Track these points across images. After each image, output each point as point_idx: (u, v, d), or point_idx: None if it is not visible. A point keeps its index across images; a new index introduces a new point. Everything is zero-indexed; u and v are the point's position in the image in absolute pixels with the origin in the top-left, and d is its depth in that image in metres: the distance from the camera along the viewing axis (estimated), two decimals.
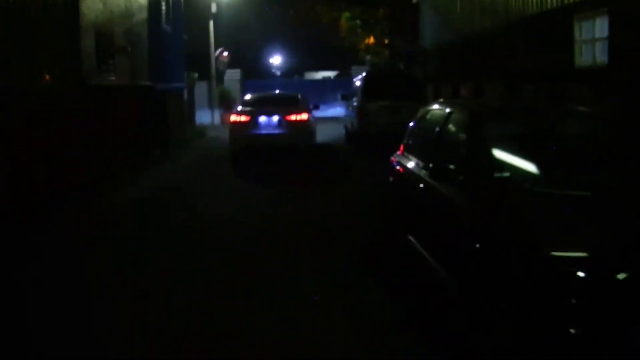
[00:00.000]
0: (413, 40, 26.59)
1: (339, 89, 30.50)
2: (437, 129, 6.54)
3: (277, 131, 15.62)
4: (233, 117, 16.32)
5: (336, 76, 44.63)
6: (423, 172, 6.19)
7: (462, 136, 5.80)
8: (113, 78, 15.83)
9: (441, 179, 5.48)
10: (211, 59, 30.51)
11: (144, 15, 18.65)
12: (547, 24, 12.90)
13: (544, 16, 13.03)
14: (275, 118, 15.62)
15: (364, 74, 18.98)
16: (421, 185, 6.20)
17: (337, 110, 27.36)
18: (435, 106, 7.46)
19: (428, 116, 7.35)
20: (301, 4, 34.00)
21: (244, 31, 39.28)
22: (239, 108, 16.74)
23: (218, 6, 30.68)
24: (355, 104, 18.69)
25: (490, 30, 16.47)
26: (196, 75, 31.47)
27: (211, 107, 30.74)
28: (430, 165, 5.69)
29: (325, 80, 41.13)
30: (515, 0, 14.54)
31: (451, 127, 6.26)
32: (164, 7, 21.36)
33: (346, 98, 21.37)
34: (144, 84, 17.79)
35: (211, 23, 30.08)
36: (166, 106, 20.15)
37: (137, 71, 18.14)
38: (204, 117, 30.40)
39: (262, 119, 15.69)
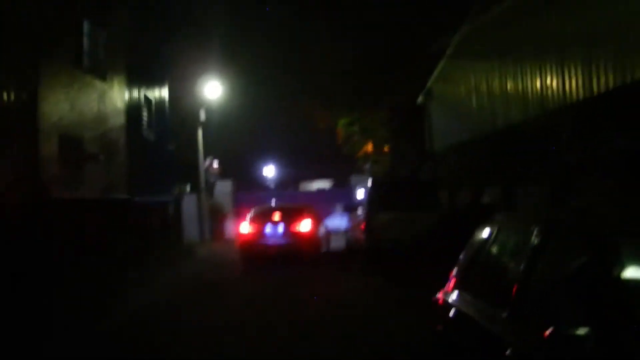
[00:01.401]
0: (419, 143, 24.68)
1: (336, 199, 28.58)
2: (520, 258, 3.99)
3: (283, 241, 16.08)
4: (241, 229, 16.93)
5: (332, 186, 42.77)
6: (502, 327, 3.69)
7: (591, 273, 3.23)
8: (80, 190, 13.56)
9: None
10: (200, 170, 28.41)
11: (121, 120, 16.58)
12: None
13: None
14: (281, 229, 16.18)
15: (369, 182, 16.62)
16: (508, 351, 3.57)
17: (335, 223, 25.13)
18: (505, 221, 5.00)
19: (494, 237, 4.82)
20: (298, 110, 32.34)
21: (235, 140, 37.48)
22: (248, 219, 17.01)
23: (207, 113, 28.87)
24: (360, 216, 16.31)
25: (521, 122, 14.37)
26: (187, 187, 29.37)
27: (201, 221, 28.38)
28: (550, 329, 3.09)
29: (320, 191, 39.07)
30: (556, 87, 12.43)
31: (552, 255, 3.71)
32: (145, 112, 19.38)
33: (349, 209, 19.05)
34: (118, 198, 15.50)
35: (199, 131, 28.16)
36: (148, 222, 17.81)
37: (113, 183, 15.88)
38: (194, 232, 28.05)
39: (269, 230, 16.24)
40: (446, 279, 5.48)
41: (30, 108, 11.38)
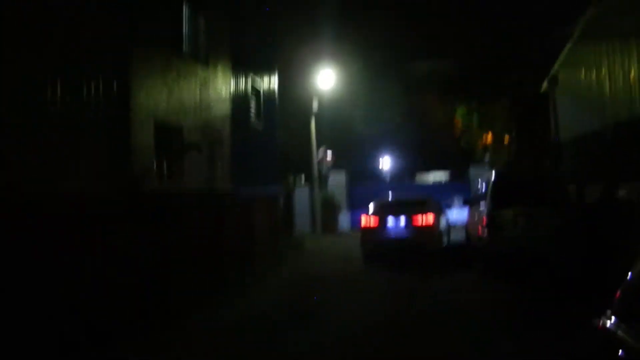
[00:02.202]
0: (542, 133, 22.66)
1: (454, 192, 27.03)
2: None
3: (404, 235, 16.03)
4: (363, 222, 16.91)
5: (449, 178, 40.83)
6: None
7: None
8: (180, 182, 12.80)
9: None
10: (313, 161, 27.51)
11: (226, 108, 15.76)
12: None
13: None
14: (403, 222, 16.08)
15: (493, 174, 14.94)
16: None
17: (454, 216, 23.53)
18: None
19: None
20: (415, 101, 30.75)
21: (349, 131, 36.33)
22: (370, 211, 17.08)
23: (320, 103, 27.92)
24: (482, 210, 14.69)
25: None
26: (302, 178, 28.61)
27: (313, 213, 27.51)
28: None
29: (437, 183, 37.30)
30: None
31: None
32: (252, 101, 18.54)
33: (470, 203, 17.44)
34: (222, 190, 14.70)
35: (312, 121, 27.25)
36: (254, 216, 16.97)
37: (217, 174, 15.12)
38: (305, 224, 27.25)
39: (390, 223, 16.21)
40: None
41: (122, 93, 10.63)
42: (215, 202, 13.85)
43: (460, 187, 28.53)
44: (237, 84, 16.94)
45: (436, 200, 18.31)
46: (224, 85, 15.71)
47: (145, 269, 10.23)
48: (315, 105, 27.14)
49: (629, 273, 3.97)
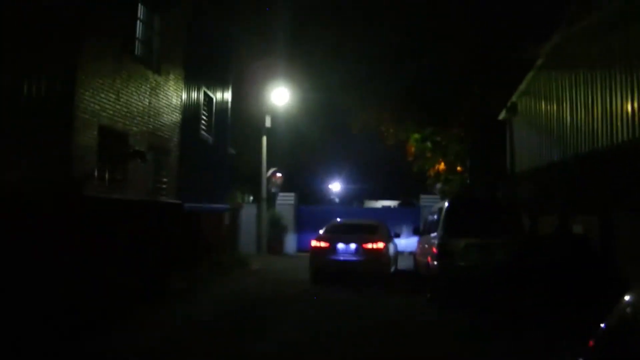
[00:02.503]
0: (497, 162, 22.56)
1: (403, 219, 26.73)
2: None
3: (354, 258, 15.96)
4: (314, 243, 16.68)
5: (399, 205, 40.77)
6: None
7: None
8: (123, 191, 12.16)
9: None
10: (262, 179, 26.97)
11: (175, 118, 15.21)
12: None
13: None
14: (353, 245, 16.00)
15: (446, 203, 14.62)
16: None
17: (402, 244, 23.34)
18: None
19: None
20: (366, 124, 30.36)
21: (300, 151, 35.95)
22: (321, 233, 17.07)
23: (273, 121, 27.45)
24: (432, 239, 14.37)
25: (629, 142, 12.29)
26: (250, 197, 28.05)
27: (259, 233, 26.93)
28: None
29: (385, 208, 37.22)
30: None
31: None
32: (204, 112, 18.00)
33: (420, 232, 17.11)
34: (165, 201, 14.09)
35: (264, 139, 26.73)
36: (198, 230, 16.35)
37: (162, 185, 14.51)
38: (251, 244, 26.62)
39: (341, 245, 16.11)
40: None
41: (66, 90, 10.03)
42: (158, 212, 13.21)
43: (409, 214, 28.38)
44: (189, 94, 16.44)
45: (385, 225, 18.28)
46: (175, 94, 15.19)
47: (72, 275, 9.52)
48: (267, 122, 26.65)
49: (604, 322, 3.64)
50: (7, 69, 8.48)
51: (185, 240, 14.77)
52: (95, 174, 11.09)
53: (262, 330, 9.64)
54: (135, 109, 12.77)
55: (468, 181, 26.97)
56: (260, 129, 26.79)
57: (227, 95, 20.57)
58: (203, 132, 17.76)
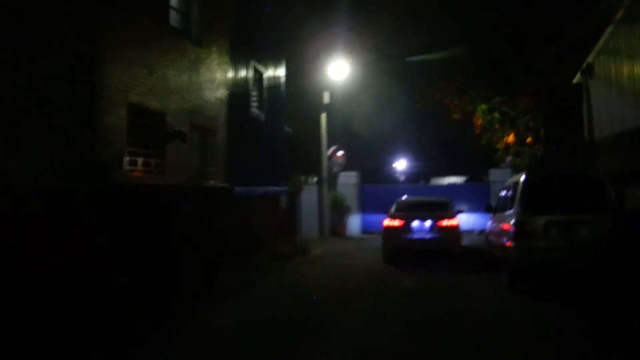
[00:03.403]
0: (575, 131, 20.54)
1: (471, 196, 25.25)
2: None
3: (429, 236, 15.67)
4: (386, 222, 16.29)
5: (466, 181, 38.78)
6: None
7: None
8: (160, 175, 10.95)
9: None
10: (322, 159, 25.57)
11: (221, 94, 13.92)
12: None
13: None
14: (428, 223, 15.69)
15: (522, 176, 12.88)
16: None
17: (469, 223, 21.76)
18: None
19: None
20: (432, 98, 28.54)
21: (363, 129, 34.37)
22: (392, 211, 16.73)
23: (333, 97, 25.95)
24: (509, 218, 12.65)
25: None
26: (313, 178, 26.68)
27: (321, 216, 25.58)
28: None
29: (454, 186, 35.14)
30: None
31: None
32: (254, 89, 16.67)
33: (492, 210, 15.40)
34: (211, 186, 12.85)
35: (323, 116, 25.26)
36: (252, 216, 15.09)
37: (206, 167, 13.27)
38: (313, 227, 25.32)
39: (416, 223, 15.77)
40: None
41: (87, 66, 8.82)
42: (203, 198, 11.95)
43: (478, 190, 26.52)
44: (236, 68, 15.14)
45: (451, 202, 17.63)
46: (220, 68, 13.90)
47: (95, 277, 8.33)
48: (326, 98, 25.17)
49: None
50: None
51: (237, 229, 13.53)
52: (127, 158, 9.88)
53: (325, 334, 8.19)
54: (172, 85, 11.52)
55: (539, 152, 24.95)
56: (319, 106, 25.36)
57: (281, 70, 19.20)
58: (254, 110, 16.43)
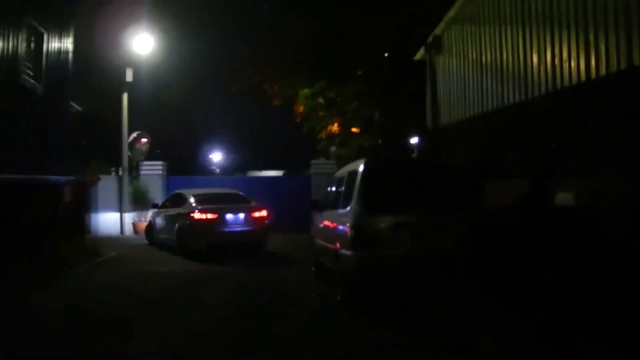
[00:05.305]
0: (414, 114, 18.98)
1: (292, 190, 23.14)
2: None
3: (242, 229, 15.71)
4: (197, 215, 15.74)
5: (284, 175, 37.02)
6: None
7: None
8: None
9: None
10: (123, 145, 22.35)
11: None
12: None
13: None
14: (242, 215, 15.77)
15: (360, 165, 10.60)
16: None
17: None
18: None
19: None
20: (247, 82, 26.16)
21: (173, 115, 31.20)
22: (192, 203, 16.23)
23: (138, 76, 22.81)
24: (342, 218, 10.38)
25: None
26: (119, 169, 23.37)
27: (121, 210, 22.45)
28: None
29: (270, 179, 32.77)
30: None
31: None
32: (28, 53, 13.31)
33: (319, 206, 13.06)
34: None
35: (125, 96, 22.04)
36: (17, 212, 11.87)
37: None
38: (112, 224, 22.17)
39: (230, 216, 15.68)
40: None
41: None
42: None
43: (298, 183, 24.51)
44: (3, 21, 11.82)
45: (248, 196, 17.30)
46: None
47: None
48: (129, 76, 21.98)
49: None
50: None
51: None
52: None
53: None
54: None
55: (367, 143, 23.41)
56: (120, 85, 22.13)
57: (68, 36, 15.83)
58: (24, 78, 13.01)
